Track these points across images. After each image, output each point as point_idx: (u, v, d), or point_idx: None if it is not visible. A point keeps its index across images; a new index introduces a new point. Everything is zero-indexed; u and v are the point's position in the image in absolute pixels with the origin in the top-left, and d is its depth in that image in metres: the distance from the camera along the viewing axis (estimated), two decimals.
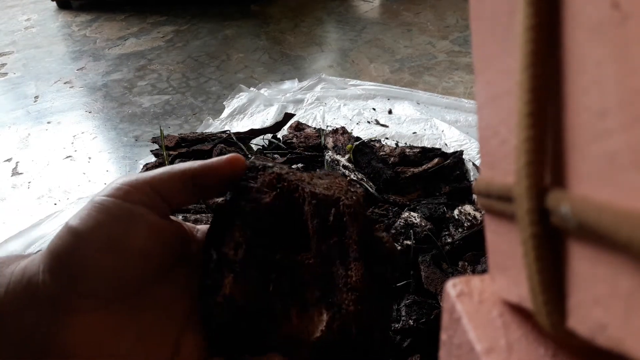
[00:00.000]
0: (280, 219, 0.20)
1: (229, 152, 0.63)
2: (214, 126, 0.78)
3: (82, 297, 0.18)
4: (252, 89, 0.87)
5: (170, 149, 0.66)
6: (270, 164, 0.21)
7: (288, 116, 0.78)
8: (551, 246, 0.10)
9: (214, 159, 0.21)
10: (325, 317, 0.19)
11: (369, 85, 0.86)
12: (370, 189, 0.56)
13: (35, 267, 0.18)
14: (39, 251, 0.19)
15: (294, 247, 0.20)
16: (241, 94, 0.85)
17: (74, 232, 0.18)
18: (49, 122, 0.88)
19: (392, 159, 0.62)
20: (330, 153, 0.63)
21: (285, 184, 0.20)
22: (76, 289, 0.17)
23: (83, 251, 0.17)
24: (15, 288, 0.17)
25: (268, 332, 0.19)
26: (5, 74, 1.09)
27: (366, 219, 0.20)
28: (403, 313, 0.41)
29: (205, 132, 0.73)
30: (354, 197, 0.20)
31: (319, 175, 0.22)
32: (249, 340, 0.19)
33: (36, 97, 0.98)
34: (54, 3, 1.47)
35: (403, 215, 0.51)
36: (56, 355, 0.17)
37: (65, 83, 1.03)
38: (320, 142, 0.67)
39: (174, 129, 0.83)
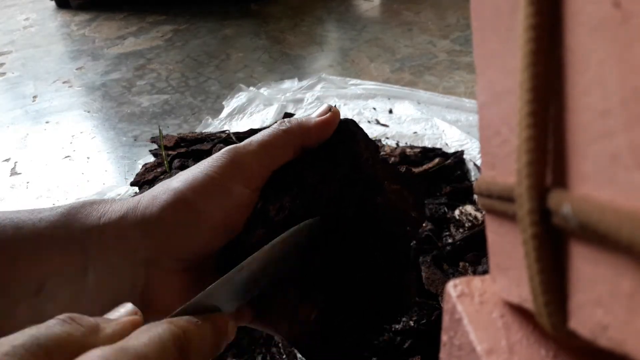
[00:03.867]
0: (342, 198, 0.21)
1: None
2: (213, 126, 0.78)
3: (176, 261, 0.19)
4: (251, 88, 0.87)
5: (169, 148, 0.66)
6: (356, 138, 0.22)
7: (288, 116, 0.78)
8: (552, 247, 0.10)
9: (314, 120, 0.21)
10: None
11: (369, 85, 0.86)
12: None
13: (130, 229, 0.18)
14: (117, 199, 0.20)
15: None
16: (240, 93, 0.85)
17: (186, 203, 0.18)
18: (47, 122, 0.87)
19: (392, 158, 0.62)
20: None
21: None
22: (174, 256, 0.19)
23: (192, 223, 0.19)
24: (106, 245, 0.18)
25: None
26: (4, 73, 1.08)
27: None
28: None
29: (205, 132, 0.73)
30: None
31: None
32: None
33: (35, 96, 0.97)
34: (53, 2, 1.47)
35: None
36: (155, 313, 0.19)
37: (63, 82, 1.02)
38: None
39: (173, 128, 0.82)
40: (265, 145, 0.20)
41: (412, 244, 0.23)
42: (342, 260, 0.20)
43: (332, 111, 0.21)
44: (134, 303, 0.18)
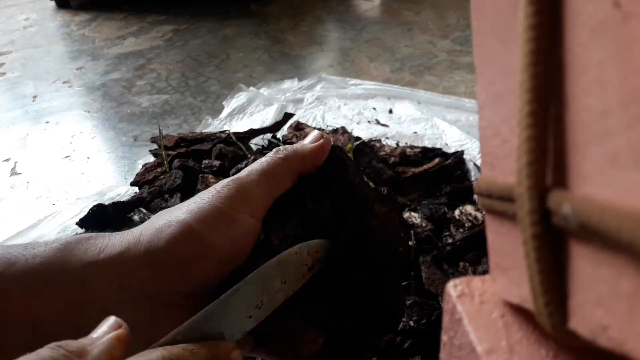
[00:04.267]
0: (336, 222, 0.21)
1: (229, 152, 0.63)
2: (213, 126, 0.78)
3: (180, 295, 0.19)
4: (251, 88, 0.87)
5: (169, 148, 0.66)
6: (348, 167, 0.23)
7: (288, 116, 0.78)
8: (552, 247, 0.10)
9: (309, 147, 0.21)
10: None
11: (369, 85, 0.86)
12: None
13: (133, 264, 0.18)
14: (112, 234, 0.19)
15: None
16: (240, 93, 0.85)
17: (194, 234, 0.18)
18: (47, 122, 0.87)
19: (392, 158, 0.62)
20: None
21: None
22: (179, 289, 0.18)
23: (201, 254, 0.18)
24: (107, 281, 0.17)
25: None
26: (4, 73, 1.08)
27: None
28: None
29: (205, 132, 0.73)
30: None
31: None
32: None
33: (34, 96, 0.97)
34: (53, 2, 1.47)
35: (404, 216, 0.51)
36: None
37: (63, 82, 1.02)
38: None
39: (173, 128, 0.82)
40: (266, 174, 0.20)
41: (403, 262, 0.24)
42: (342, 282, 0.21)
43: (324, 138, 0.22)
44: (138, 340, 0.18)
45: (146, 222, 0.20)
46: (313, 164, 0.22)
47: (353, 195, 0.22)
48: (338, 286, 0.21)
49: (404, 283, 0.44)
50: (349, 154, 0.65)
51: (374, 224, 0.21)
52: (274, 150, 0.21)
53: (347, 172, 0.22)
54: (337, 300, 0.21)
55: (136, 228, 0.19)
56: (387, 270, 0.22)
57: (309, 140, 0.22)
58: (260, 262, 0.20)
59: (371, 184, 0.24)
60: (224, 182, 0.20)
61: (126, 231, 0.19)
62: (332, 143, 0.22)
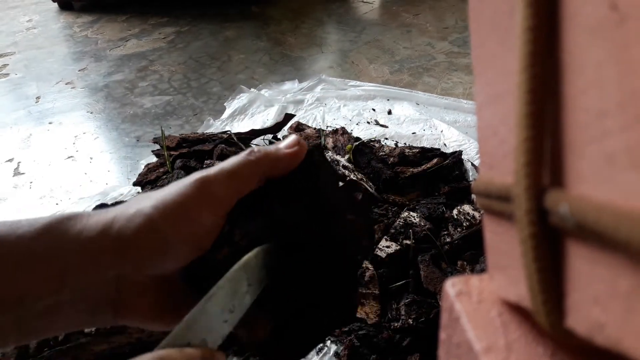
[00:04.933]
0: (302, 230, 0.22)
1: (230, 152, 0.63)
2: (215, 127, 0.78)
3: (146, 277, 0.20)
4: (252, 89, 0.87)
5: (172, 149, 0.66)
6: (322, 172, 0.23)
7: (288, 117, 0.78)
8: (550, 246, 0.10)
9: (282, 152, 0.22)
10: None
11: (368, 86, 0.86)
12: (369, 189, 0.56)
13: (105, 247, 0.20)
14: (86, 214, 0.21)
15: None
16: (242, 94, 0.86)
17: (157, 230, 0.20)
18: (50, 123, 0.88)
19: (391, 159, 0.62)
20: (330, 153, 0.63)
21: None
22: (144, 273, 0.20)
23: (162, 248, 0.20)
24: (84, 260, 0.19)
25: None
26: (7, 74, 1.09)
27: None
28: (402, 312, 0.41)
29: (206, 133, 0.73)
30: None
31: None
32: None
33: (38, 97, 0.98)
34: (56, 4, 1.48)
35: (402, 215, 0.51)
36: (127, 319, 0.20)
37: (66, 84, 1.03)
38: (320, 142, 0.67)
39: (175, 129, 0.83)
40: (232, 174, 0.22)
41: (359, 268, 0.25)
42: (297, 279, 0.22)
43: (300, 144, 0.23)
44: (106, 312, 0.20)
45: (124, 205, 0.21)
46: (285, 168, 0.22)
47: (321, 202, 0.22)
48: (294, 282, 0.22)
49: (402, 282, 0.45)
50: (352, 151, 0.65)
51: (335, 231, 0.22)
52: (247, 150, 0.22)
53: (318, 179, 0.22)
54: (290, 294, 0.22)
55: (113, 209, 0.21)
56: (343, 275, 0.23)
57: (284, 145, 0.23)
58: (222, 251, 0.21)
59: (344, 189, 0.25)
60: (192, 179, 0.21)
61: (104, 211, 0.21)
62: (307, 148, 0.23)
